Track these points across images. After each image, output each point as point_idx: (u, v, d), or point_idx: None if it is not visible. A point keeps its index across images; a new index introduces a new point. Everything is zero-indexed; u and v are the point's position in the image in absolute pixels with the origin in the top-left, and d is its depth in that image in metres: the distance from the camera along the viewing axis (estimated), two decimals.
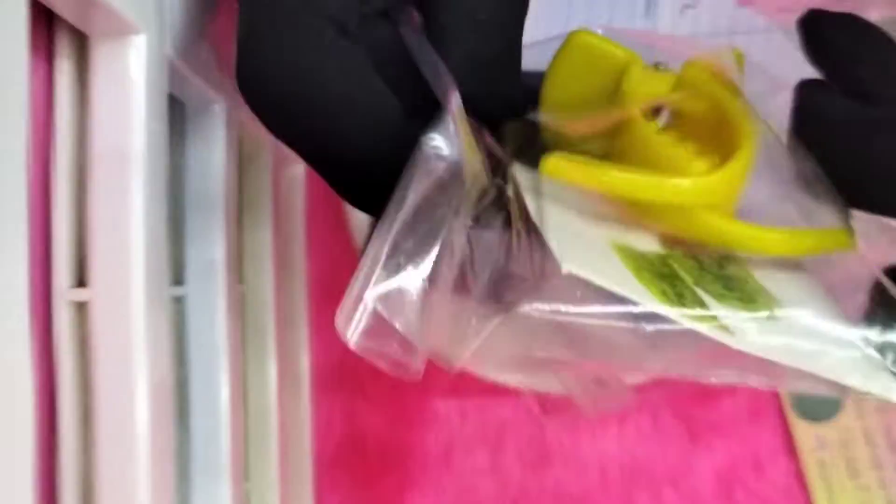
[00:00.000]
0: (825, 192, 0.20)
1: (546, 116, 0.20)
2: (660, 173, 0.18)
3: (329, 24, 0.17)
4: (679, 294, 0.17)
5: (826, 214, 0.20)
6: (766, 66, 0.21)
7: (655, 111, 0.20)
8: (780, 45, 0.28)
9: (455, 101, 0.17)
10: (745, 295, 0.18)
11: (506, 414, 0.36)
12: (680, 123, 0.19)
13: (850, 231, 0.20)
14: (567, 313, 0.16)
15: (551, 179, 0.18)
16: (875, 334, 0.17)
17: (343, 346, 0.41)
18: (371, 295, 0.18)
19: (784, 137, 0.20)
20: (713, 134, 0.19)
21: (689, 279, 0.18)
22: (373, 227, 0.20)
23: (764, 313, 0.17)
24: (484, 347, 0.18)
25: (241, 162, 0.27)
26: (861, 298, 0.19)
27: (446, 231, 0.17)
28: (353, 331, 0.18)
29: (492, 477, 0.35)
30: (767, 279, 0.19)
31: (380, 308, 0.18)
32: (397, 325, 0.17)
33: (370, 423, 0.35)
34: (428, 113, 0.18)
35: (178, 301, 0.22)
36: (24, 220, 0.13)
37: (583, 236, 0.18)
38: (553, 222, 0.17)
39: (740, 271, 0.19)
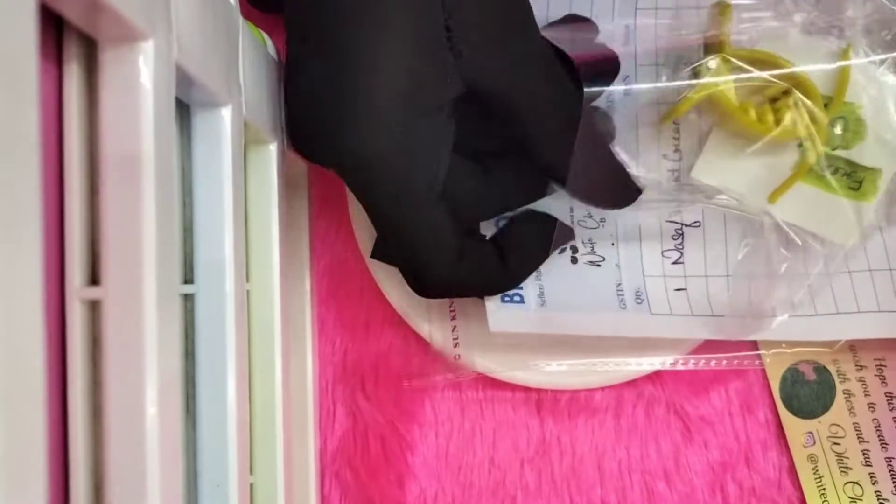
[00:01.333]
0: None
1: None
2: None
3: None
4: None
5: None
6: None
7: None
8: None
9: None
10: None
11: (503, 410, 0.36)
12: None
13: None
14: None
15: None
16: None
17: (346, 344, 0.42)
18: None
19: None
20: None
21: None
22: None
23: None
24: None
25: (247, 163, 0.27)
26: None
27: None
28: None
29: (490, 471, 0.36)
30: None
31: None
32: None
33: (372, 418, 0.36)
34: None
35: (188, 299, 0.22)
36: (38, 221, 0.13)
37: None
38: None
39: None
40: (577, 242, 0.33)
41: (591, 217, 0.32)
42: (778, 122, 0.30)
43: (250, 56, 0.26)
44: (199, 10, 0.21)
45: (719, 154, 0.31)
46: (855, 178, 0.31)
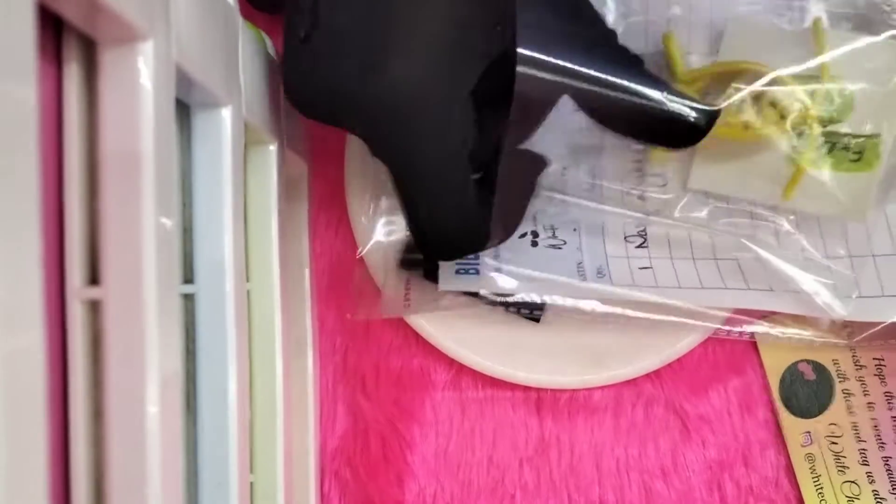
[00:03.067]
0: None
1: None
2: None
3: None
4: None
5: None
6: None
7: None
8: None
9: None
10: None
11: (503, 409, 0.36)
12: None
13: None
14: None
15: None
16: None
17: (346, 344, 0.42)
18: None
19: None
20: None
21: None
22: None
23: None
24: None
25: (247, 163, 0.27)
26: None
27: None
28: None
29: (489, 470, 0.36)
30: None
31: None
32: None
33: (372, 417, 0.36)
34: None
35: (188, 299, 0.22)
36: (37, 221, 0.13)
37: None
38: None
39: None
40: (538, 227, 0.33)
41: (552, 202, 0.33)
42: (764, 119, 0.29)
43: (250, 56, 0.26)
44: (199, 11, 0.21)
45: (709, 162, 0.31)
46: (855, 150, 0.31)
